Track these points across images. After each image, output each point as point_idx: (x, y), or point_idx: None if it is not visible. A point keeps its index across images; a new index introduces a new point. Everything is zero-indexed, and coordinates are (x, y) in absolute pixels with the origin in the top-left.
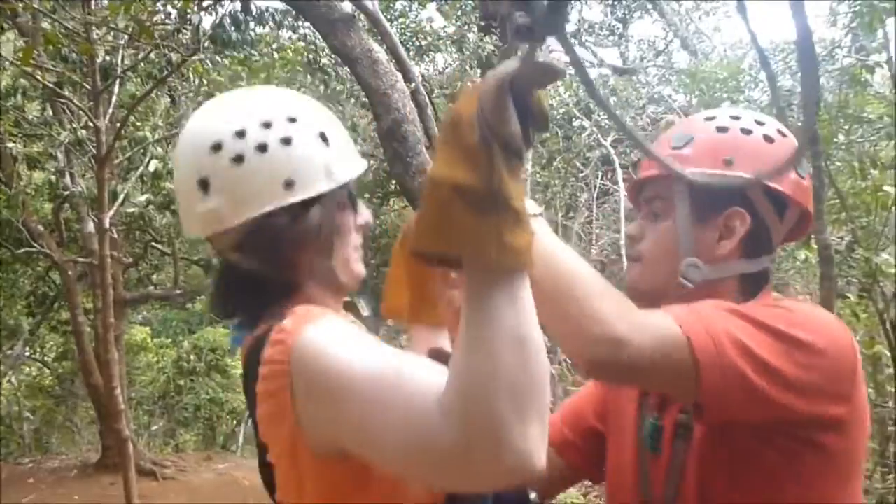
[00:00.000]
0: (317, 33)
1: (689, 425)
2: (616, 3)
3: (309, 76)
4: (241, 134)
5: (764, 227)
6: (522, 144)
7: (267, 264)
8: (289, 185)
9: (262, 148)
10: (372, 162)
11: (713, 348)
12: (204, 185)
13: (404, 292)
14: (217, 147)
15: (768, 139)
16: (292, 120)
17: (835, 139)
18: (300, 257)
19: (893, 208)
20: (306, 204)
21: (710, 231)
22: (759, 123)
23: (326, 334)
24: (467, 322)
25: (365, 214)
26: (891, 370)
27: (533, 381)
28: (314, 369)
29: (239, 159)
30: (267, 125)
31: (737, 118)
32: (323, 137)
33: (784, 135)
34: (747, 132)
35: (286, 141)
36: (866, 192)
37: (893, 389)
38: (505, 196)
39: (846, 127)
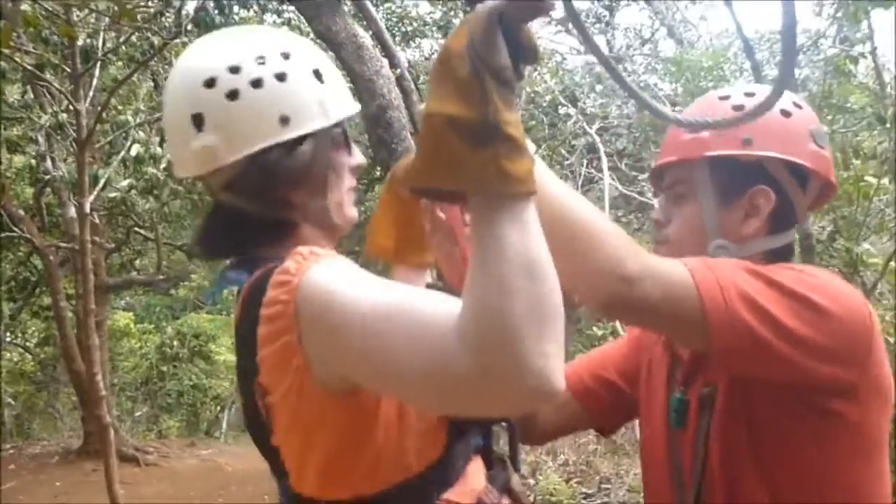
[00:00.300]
0: (301, 18)
1: (713, 398)
2: None
3: None
4: (235, 69)
5: (788, 202)
6: (513, 76)
7: (260, 202)
8: (284, 120)
9: (257, 83)
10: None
11: (721, 298)
12: (198, 121)
13: (390, 232)
14: (211, 82)
15: (785, 114)
16: (286, 56)
17: None
18: (294, 195)
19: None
20: (301, 140)
21: (735, 211)
22: (749, 94)
23: (332, 271)
24: (477, 250)
25: (358, 156)
26: None
27: (546, 303)
28: (323, 306)
29: (234, 94)
30: (261, 60)
31: (751, 95)
32: (317, 74)
33: (800, 107)
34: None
35: (280, 76)
36: (848, 181)
37: None
38: (501, 125)
39: (829, 117)
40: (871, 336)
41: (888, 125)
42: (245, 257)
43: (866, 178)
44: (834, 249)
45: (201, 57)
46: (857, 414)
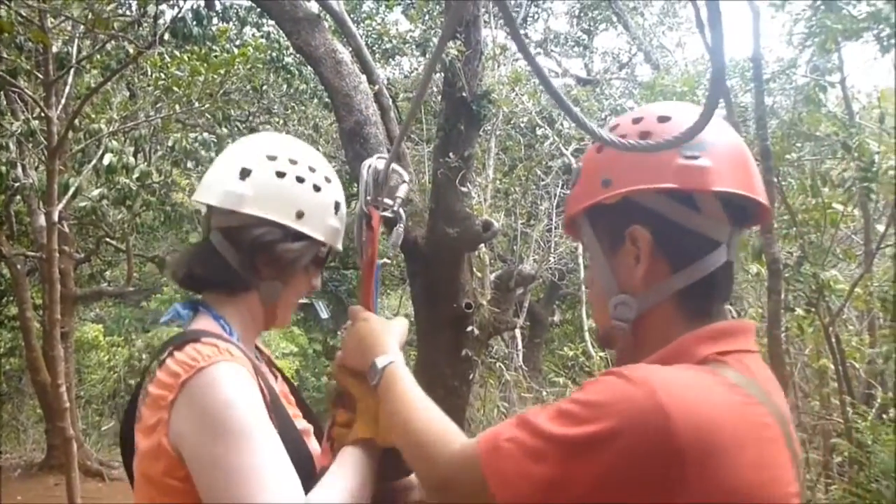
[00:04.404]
0: (281, 32)
1: None
2: (581, 15)
3: (272, 75)
4: (293, 161)
5: (678, 229)
6: None
7: (239, 256)
8: (300, 215)
9: (300, 180)
10: (333, 163)
11: (505, 479)
12: (245, 173)
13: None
14: (272, 158)
15: (643, 135)
16: (328, 180)
17: (787, 156)
18: (264, 270)
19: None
20: (300, 237)
21: (623, 258)
22: (636, 121)
23: (231, 378)
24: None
25: (317, 282)
26: (836, 384)
27: None
28: (213, 403)
29: (281, 175)
30: (312, 169)
31: (615, 126)
32: (337, 206)
33: (667, 118)
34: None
35: (317, 188)
36: (816, 209)
37: (838, 401)
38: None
39: (798, 145)
40: (671, 455)
41: (855, 154)
42: (195, 300)
43: (834, 205)
44: (801, 275)
45: (276, 141)
46: None
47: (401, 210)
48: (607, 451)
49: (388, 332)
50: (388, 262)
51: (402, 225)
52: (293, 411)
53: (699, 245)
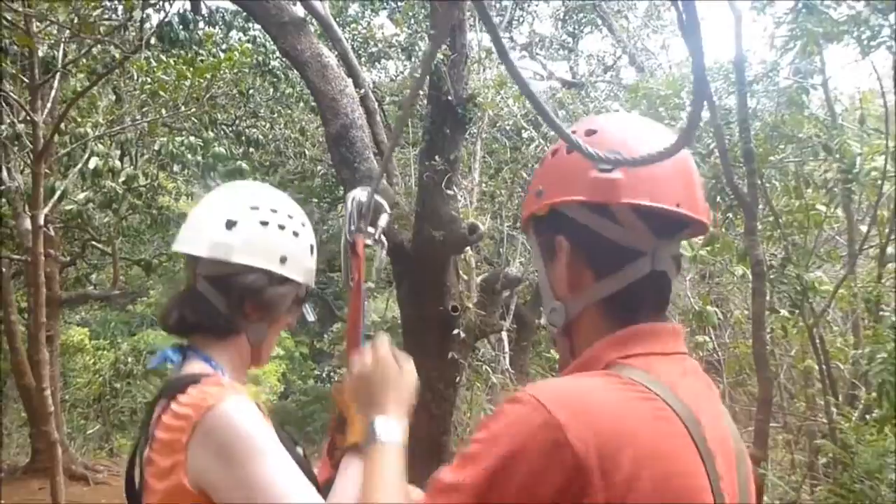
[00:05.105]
0: (267, 36)
1: None
2: (566, 18)
3: (258, 79)
4: (274, 211)
5: (598, 240)
6: None
7: (228, 301)
8: (283, 260)
9: (282, 227)
10: (319, 167)
11: None
12: (230, 224)
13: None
14: (255, 209)
15: (570, 150)
16: (303, 224)
17: (771, 158)
18: (252, 314)
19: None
20: (284, 281)
21: (556, 269)
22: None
23: (242, 410)
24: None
25: (292, 318)
26: (820, 384)
27: None
28: (230, 434)
29: (265, 224)
30: (290, 216)
31: (592, 133)
32: (312, 248)
33: (593, 131)
34: (553, 153)
35: (296, 234)
36: (800, 210)
37: (823, 402)
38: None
39: (781, 147)
40: (571, 463)
41: (837, 155)
42: (184, 345)
43: (817, 206)
44: (785, 276)
45: (256, 191)
46: None
47: (382, 238)
48: (511, 477)
49: (398, 387)
50: (373, 285)
51: (384, 252)
52: None
53: (620, 255)
